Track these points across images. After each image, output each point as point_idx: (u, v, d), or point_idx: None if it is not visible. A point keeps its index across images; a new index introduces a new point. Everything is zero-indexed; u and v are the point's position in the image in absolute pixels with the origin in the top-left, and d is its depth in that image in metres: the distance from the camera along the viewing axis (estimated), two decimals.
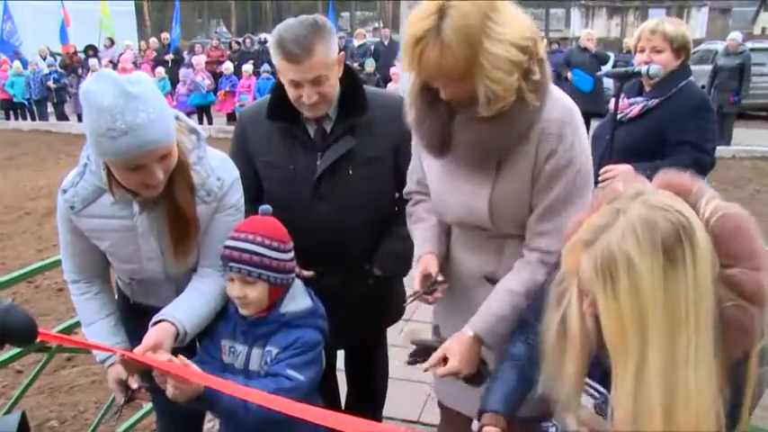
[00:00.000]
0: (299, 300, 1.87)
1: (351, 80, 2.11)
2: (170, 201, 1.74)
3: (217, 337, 1.91)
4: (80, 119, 14.60)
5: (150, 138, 1.54)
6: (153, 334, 1.70)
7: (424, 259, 1.82)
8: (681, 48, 2.79)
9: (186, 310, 1.80)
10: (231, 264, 1.78)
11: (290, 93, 2.00)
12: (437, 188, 1.82)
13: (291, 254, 1.85)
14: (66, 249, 1.92)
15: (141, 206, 1.75)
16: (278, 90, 2.08)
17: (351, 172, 2.09)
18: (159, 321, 1.75)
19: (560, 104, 1.64)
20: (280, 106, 2.08)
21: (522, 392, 1.57)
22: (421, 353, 1.75)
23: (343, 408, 2.61)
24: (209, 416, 2.46)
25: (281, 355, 1.80)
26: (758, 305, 1.14)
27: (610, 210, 1.14)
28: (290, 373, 1.76)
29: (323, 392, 2.45)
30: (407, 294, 1.78)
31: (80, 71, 14.99)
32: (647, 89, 2.86)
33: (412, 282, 1.80)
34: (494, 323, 1.69)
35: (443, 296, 1.96)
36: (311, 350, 1.82)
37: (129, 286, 1.99)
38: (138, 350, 1.65)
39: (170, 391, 1.62)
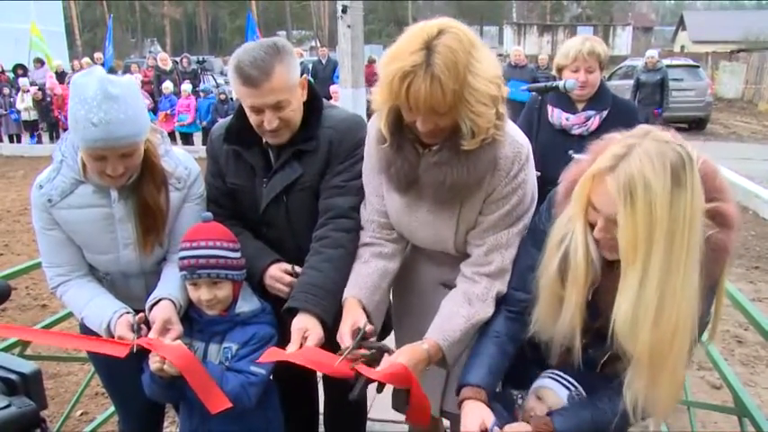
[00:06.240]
0: (249, 301, 2.03)
1: (312, 105, 2.03)
2: (139, 197, 1.91)
3: None
4: (11, 139, 14.18)
5: (115, 136, 1.73)
6: (160, 314, 1.87)
7: (351, 313, 1.81)
8: (604, 63, 3.09)
9: (175, 287, 1.97)
10: (199, 271, 1.90)
11: (252, 119, 1.93)
12: (400, 219, 1.89)
13: (240, 252, 2.00)
14: (49, 247, 1.99)
15: (119, 194, 1.90)
16: (239, 114, 2.02)
17: (291, 200, 2.04)
18: (157, 302, 1.91)
19: (512, 141, 1.73)
20: (237, 130, 2.04)
21: (502, 367, 1.69)
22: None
23: (322, 416, 2.59)
24: (168, 419, 2.54)
25: (241, 350, 1.95)
26: (735, 230, 1.43)
27: (625, 144, 1.38)
28: (254, 369, 1.92)
29: (302, 401, 2.49)
30: (340, 351, 1.71)
31: (6, 91, 14.42)
32: (579, 101, 3.08)
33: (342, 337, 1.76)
34: (452, 343, 1.73)
35: (400, 299, 2.11)
36: (267, 344, 1.96)
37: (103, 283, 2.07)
38: (152, 333, 1.83)
39: (167, 365, 1.78)
